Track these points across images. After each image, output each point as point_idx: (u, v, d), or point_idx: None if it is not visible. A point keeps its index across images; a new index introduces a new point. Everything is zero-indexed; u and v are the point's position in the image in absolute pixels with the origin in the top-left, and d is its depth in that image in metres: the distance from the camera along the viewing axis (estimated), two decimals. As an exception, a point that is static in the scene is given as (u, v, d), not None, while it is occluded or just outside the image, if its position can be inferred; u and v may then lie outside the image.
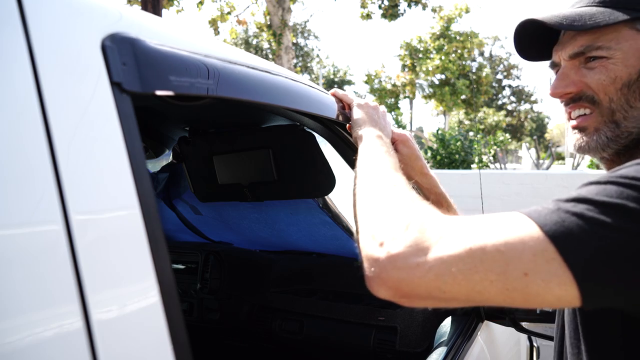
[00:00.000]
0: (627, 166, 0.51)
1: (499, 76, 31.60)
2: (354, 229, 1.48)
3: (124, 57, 0.51)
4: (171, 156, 1.63)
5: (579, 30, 0.64)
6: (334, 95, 1.00)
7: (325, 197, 1.44)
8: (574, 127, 0.68)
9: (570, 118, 0.69)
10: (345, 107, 1.00)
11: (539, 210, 0.49)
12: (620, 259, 0.45)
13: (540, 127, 36.22)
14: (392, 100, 20.24)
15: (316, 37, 34.74)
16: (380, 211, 0.57)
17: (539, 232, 0.47)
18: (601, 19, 0.62)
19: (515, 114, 31.69)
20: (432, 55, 18.64)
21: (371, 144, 0.79)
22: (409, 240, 0.50)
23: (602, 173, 0.56)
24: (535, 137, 25.74)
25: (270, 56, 17.57)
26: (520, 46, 0.75)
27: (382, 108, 0.97)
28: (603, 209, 0.46)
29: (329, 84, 31.59)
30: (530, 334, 1.29)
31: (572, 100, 0.67)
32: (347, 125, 1.00)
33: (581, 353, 0.63)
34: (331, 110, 0.97)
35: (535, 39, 0.72)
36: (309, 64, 28.95)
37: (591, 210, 0.47)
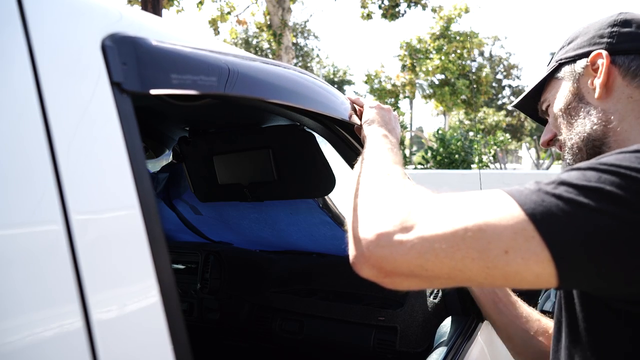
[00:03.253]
0: (607, 155, 0.54)
1: (499, 76, 31.61)
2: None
3: (124, 57, 0.51)
4: (171, 156, 1.63)
5: (529, 99, 0.88)
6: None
7: (325, 197, 1.44)
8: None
9: None
10: (357, 110, 1.02)
11: (521, 190, 0.52)
12: (596, 240, 0.47)
13: (540, 127, 36.18)
14: (392, 100, 20.24)
15: (316, 37, 34.76)
16: (369, 196, 0.60)
17: (520, 211, 0.49)
18: (534, 84, 0.85)
19: (515, 114, 31.66)
20: (431, 55, 18.65)
21: (376, 141, 0.83)
22: (393, 220, 0.52)
23: None
24: (535, 137, 25.73)
25: (270, 56, 17.57)
26: (539, 120, 0.92)
27: (394, 112, 1.01)
28: (582, 192, 0.49)
29: (329, 84, 31.56)
30: None
31: (554, 143, 0.84)
32: (355, 126, 1.02)
33: (577, 343, 0.65)
34: (341, 109, 0.98)
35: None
36: (309, 64, 28.94)
37: (570, 192, 0.49)
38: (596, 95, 0.73)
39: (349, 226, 0.58)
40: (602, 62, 0.72)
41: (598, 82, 0.73)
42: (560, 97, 0.79)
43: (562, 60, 0.79)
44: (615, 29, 0.74)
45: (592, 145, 0.74)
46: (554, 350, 0.71)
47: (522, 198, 0.50)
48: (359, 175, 0.69)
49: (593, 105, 0.74)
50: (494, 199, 0.52)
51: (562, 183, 0.51)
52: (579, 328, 0.63)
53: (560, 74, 0.80)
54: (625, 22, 0.74)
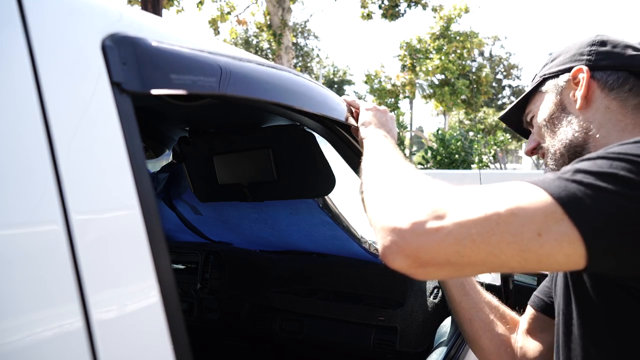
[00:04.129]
0: (613, 146, 0.58)
1: (499, 76, 31.60)
2: (354, 230, 1.49)
3: (124, 57, 0.51)
4: (171, 156, 1.63)
5: (516, 110, 0.95)
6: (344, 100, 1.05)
7: (325, 197, 1.44)
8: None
9: None
10: (353, 111, 1.03)
11: (542, 179, 0.54)
12: (619, 219, 0.50)
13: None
14: (392, 100, 20.24)
15: (316, 37, 34.74)
16: (396, 188, 0.59)
17: (547, 196, 0.51)
18: (521, 97, 0.92)
19: (515, 114, 31.55)
20: (431, 55, 18.64)
21: (378, 141, 0.86)
22: (427, 209, 0.52)
23: None
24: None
25: (270, 56, 17.56)
26: (523, 133, 0.99)
27: (391, 114, 1.03)
28: (599, 177, 0.52)
29: (329, 84, 31.58)
30: None
31: (537, 152, 0.91)
32: (352, 127, 1.02)
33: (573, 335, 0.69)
34: (337, 111, 0.98)
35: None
36: (309, 64, 28.94)
37: (588, 178, 0.52)
38: (577, 105, 0.80)
39: (375, 220, 0.57)
40: (583, 77, 0.79)
41: (579, 94, 0.80)
42: (544, 108, 0.86)
43: (546, 76, 0.87)
44: (593, 47, 0.82)
45: (574, 151, 0.80)
46: (564, 344, 0.72)
47: (545, 185, 0.52)
48: (374, 171, 0.70)
49: (574, 114, 0.81)
50: (519, 186, 0.54)
51: (579, 171, 0.53)
52: (595, 317, 0.66)
53: (544, 88, 0.87)
54: (602, 42, 0.82)
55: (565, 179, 0.53)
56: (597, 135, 0.78)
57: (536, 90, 0.89)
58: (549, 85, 0.86)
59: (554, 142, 0.83)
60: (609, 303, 0.64)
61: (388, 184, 0.62)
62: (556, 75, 0.85)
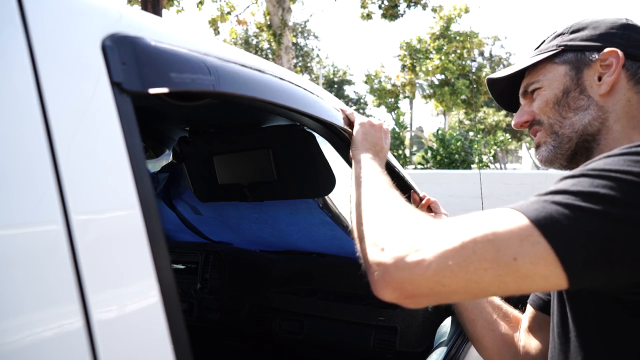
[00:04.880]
0: (595, 160, 0.58)
1: (499, 76, 31.51)
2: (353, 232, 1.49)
3: (124, 57, 0.51)
4: (171, 156, 1.63)
5: (515, 73, 0.85)
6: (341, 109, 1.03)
7: (325, 197, 1.44)
8: (535, 147, 0.84)
9: None
10: (349, 123, 1.01)
11: (522, 203, 0.55)
12: (597, 239, 0.50)
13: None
14: (392, 100, 20.23)
15: (316, 37, 34.73)
16: (379, 221, 0.63)
17: (524, 219, 0.52)
18: (528, 62, 0.83)
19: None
20: (431, 55, 18.64)
21: (365, 165, 0.84)
22: (407, 242, 0.55)
23: None
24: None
25: (270, 56, 17.57)
26: (502, 102, 0.95)
27: (386, 126, 0.99)
28: (579, 197, 0.52)
29: (329, 84, 31.57)
30: None
31: (529, 127, 0.84)
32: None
33: (568, 341, 0.69)
34: (332, 115, 0.97)
35: (510, 92, 0.90)
36: (309, 64, 28.94)
37: (568, 198, 0.53)
38: (601, 91, 0.74)
39: (362, 254, 0.62)
40: (616, 61, 0.73)
41: (609, 79, 0.73)
42: (557, 83, 0.79)
43: (568, 47, 0.78)
44: (627, 32, 0.75)
45: (584, 140, 0.76)
46: (561, 346, 0.72)
47: (524, 208, 0.53)
48: (360, 200, 0.72)
49: (594, 100, 0.75)
50: (497, 212, 0.55)
51: (559, 192, 0.54)
52: (586, 322, 0.66)
53: (560, 59, 0.79)
54: (636, 29, 0.76)
55: (545, 200, 0.54)
56: (612, 129, 0.74)
57: (548, 59, 0.80)
58: (569, 58, 0.78)
59: (564, 123, 0.77)
60: (598, 310, 0.64)
61: (372, 218, 0.65)
62: (581, 49, 0.77)
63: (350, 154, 0.92)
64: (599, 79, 0.75)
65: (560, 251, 0.50)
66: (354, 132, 0.96)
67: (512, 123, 0.86)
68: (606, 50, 0.74)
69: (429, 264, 0.52)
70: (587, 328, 0.66)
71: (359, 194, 0.75)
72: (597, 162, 0.56)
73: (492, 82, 0.92)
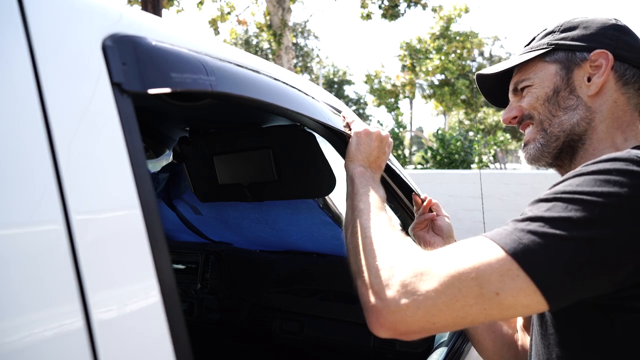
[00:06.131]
0: (568, 177, 0.60)
1: (499, 76, 31.51)
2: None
3: (124, 57, 0.51)
4: (171, 156, 1.63)
5: (505, 70, 0.86)
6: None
7: (326, 197, 1.44)
8: (523, 145, 0.85)
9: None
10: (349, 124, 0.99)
11: (500, 232, 0.58)
12: (574, 265, 0.53)
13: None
14: (392, 100, 20.23)
15: (316, 37, 34.72)
16: (368, 259, 0.66)
17: (502, 253, 0.55)
18: (519, 59, 0.83)
19: (515, 114, 31.54)
20: (431, 56, 18.64)
21: (356, 183, 0.83)
22: (396, 285, 0.58)
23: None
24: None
25: (270, 56, 17.57)
26: (490, 97, 0.95)
27: (384, 133, 0.94)
28: (553, 224, 0.55)
29: (329, 84, 31.56)
30: None
31: (519, 123, 0.85)
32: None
33: (550, 343, 0.71)
34: (328, 118, 0.97)
35: (498, 88, 0.91)
36: (309, 64, 28.93)
37: (543, 227, 0.55)
38: (590, 92, 0.76)
39: (357, 289, 0.65)
40: (606, 63, 0.75)
41: (598, 80, 0.75)
42: (547, 81, 0.79)
43: (558, 46, 0.79)
44: (617, 33, 0.77)
45: (570, 139, 0.78)
46: (541, 339, 0.72)
47: (502, 240, 0.56)
48: (351, 232, 0.74)
49: (583, 100, 0.77)
50: (477, 246, 0.58)
51: (534, 219, 0.57)
52: (566, 325, 0.67)
53: (551, 58, 0.80)
54: (625, 31, 0.77)
55: (521, 229, 0.56)
56: (597, 129, 0.75)
57: (539, 57, 0.81)
58: (560, 57, 0.79)
59: (553, 122, 0.78)
60: (577, 314, 0.65)
61: (362, 252, 0.68)
62: (572, 49, 0.78)
63: (344, 164, 0.91)
64: (589, 79, 0.76)
65: (539, 282, 0.53)
66: (350, 141, 0.93)
67: (502, 118, 0.87)
68: (596, 51, 0.75)
69: (418, 306, 0.56)
70: (567, 330, 0.67)
71: (348, 222, 0.77)
72: (570, 183, 0.59)
73: (481, 78, 0.92)
